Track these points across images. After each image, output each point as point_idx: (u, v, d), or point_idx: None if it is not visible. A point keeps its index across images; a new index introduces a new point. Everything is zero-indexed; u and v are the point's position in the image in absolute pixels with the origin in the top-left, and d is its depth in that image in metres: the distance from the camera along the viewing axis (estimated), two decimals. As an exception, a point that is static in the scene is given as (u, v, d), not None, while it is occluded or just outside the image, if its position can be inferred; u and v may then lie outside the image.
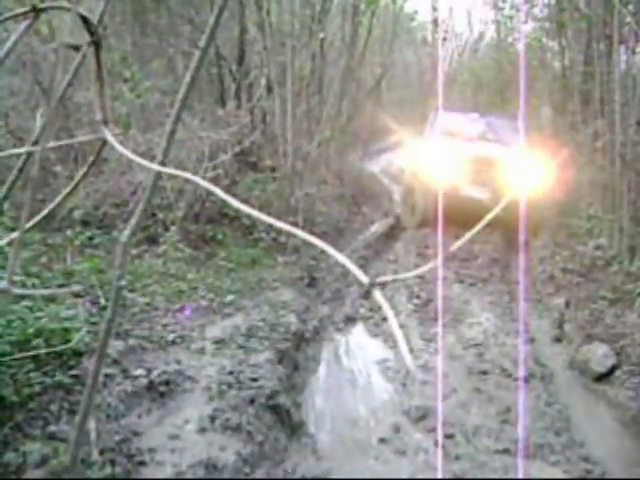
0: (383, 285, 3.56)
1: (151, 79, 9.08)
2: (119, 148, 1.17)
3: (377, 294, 0.84)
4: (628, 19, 8.21)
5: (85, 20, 1.08)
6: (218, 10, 1.98)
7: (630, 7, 8.49)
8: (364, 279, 0.93)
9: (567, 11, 12.43)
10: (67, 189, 1.35)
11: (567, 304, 6.84)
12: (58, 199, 1.40)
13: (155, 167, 1.13)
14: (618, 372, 5.27)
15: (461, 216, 9.56)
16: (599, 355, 5.44)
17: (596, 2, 9.85)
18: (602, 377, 5.28)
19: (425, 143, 10.98)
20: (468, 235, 1.03)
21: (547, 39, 15.69)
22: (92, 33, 1.10)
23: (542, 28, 16.01)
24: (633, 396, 4.91)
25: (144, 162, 1.12)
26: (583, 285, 7.29)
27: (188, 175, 1.10)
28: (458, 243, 1.04)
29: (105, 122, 1.19)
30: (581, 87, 11.33)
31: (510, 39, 19.70)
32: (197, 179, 1.06)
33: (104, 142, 1.20)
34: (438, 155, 9.83)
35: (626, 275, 6.98)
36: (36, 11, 1.05)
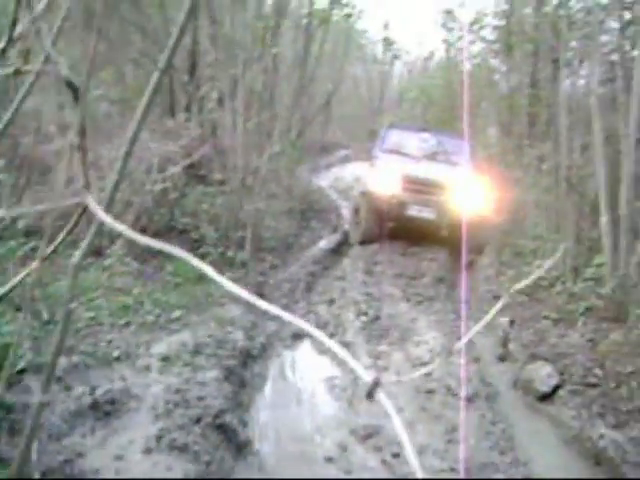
0: (332, 302, 3.58)
1: (100, 88, 8.95)
2: (101, 215, 1.15)
3: (381, 396, 0.84)
4: (573, 43, 8.45)
5: (70, 84, 1.06)
6: (179, 31, 1.96)
7: (576, 32, 8.73)
8: (367, 378, 0.93)
9: (515, 34, 12.72)
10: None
11: (512, 323, 6.95)
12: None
13: (126, 232, 1.12)
14: (561, 391, 5.37)
15: (408, 234, 9.84)
16: (543, 374, 5.54)
17: (543, 26, 10.10)
18: (546, 396, 5.37)
19: (374, 160, 11.13)
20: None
21: (495, 60, 16.02)
22: (76, 97, 1.08)
23: (491, 49, 16.35)
24: (575, 415, 5.01)
25: (119, 227, 1.10)
26: (527, 305, 7.43)
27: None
28: (465, 338, 1.06)
29: (87, 187, 1.17)
30: (527, 109, 11.59)
31: (459, 59, 20.07)
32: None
33: (85, 208, 1.18)
34: (386, 174, 9.98)
35: (569, 295, 7.14)
36: (19, 73, 1.03)
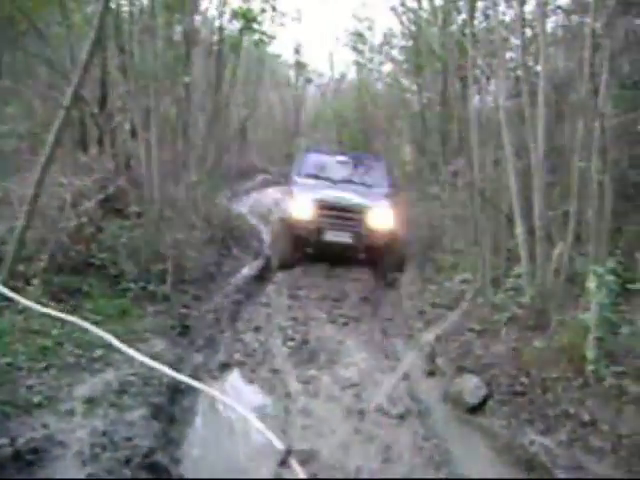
0: (258, 329, 3.56)
1: (8, 123, 8.70)
2: None
3: (294, 463, 0.82)
4: (479, 61, 8.70)
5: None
6: (83, 67, 1.92)
7: (481, 50, 9.00)
8: (280, 446, 0.91)
9: (423, 53, 13.04)
10: None
11: (437, 338, 7.05)
12: None
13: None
14: (490, 402, 5.46)
15: (326, 257, 9.93)
16: (471, 387, 5.62)
17: (450, 45, 10.39)
18: (475, 408, 5.45)
19: (291, 185, 11.27)
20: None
21: (406, 80, 16.40)
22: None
23: (401, 69, 16.73)
24: (505, 425, 5.09)
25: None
26: (451, 318, 7.56)
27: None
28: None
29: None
30: (440, 126, 11.88)
31: (370, 79, 20.48)
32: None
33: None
34: (302, 200, 10.14)
35: (491, 307, 7.30)
36: None
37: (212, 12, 12.93)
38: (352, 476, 4.37)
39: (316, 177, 11.21)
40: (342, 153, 12.94)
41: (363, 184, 11.13)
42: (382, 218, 10.03)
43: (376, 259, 9.97)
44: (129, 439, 4.10)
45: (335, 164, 11.70)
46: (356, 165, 11.78)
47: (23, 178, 7.10)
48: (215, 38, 12.69)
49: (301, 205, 10.09)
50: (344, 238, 9.89)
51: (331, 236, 9.89)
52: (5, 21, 9.39)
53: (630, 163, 7.89)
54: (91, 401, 4.55)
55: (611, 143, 6.48)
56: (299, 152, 12.50)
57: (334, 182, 11.03)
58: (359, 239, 9.87)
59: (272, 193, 17.58)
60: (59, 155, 7.86)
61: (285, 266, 9.98)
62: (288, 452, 0.88)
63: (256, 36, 12.84)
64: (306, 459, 4.50)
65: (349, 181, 11.21)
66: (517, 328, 6.71)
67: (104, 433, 4.11)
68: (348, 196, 10.35)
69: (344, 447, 4.78)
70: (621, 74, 7.89)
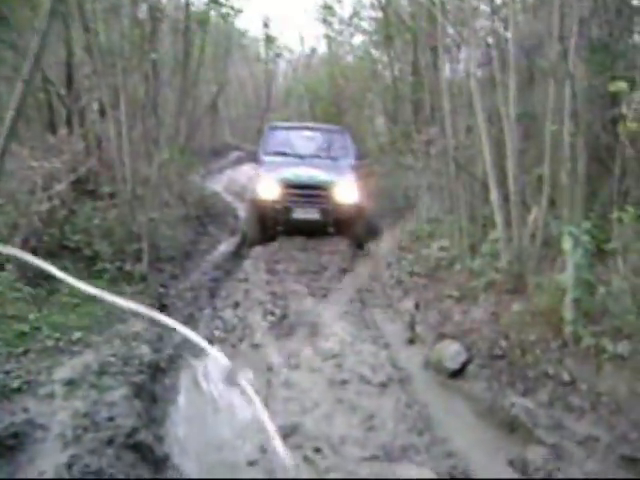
0: (237, 305, 3.53)
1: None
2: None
3: (242, 381, 0.80)
4: (450, 30, 8.66)
5: None
6: (40, 37, 1.86)
7: (451, 18, 8.95)
8: (227, 364, 0.88)
9: (393, 24, 12.97)
10: None
11: (416, 306, 7.09)
12: None
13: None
14: (471, 367, 5.52)
15: (297, 232, 9.99)
16: (451, 352, 5.67)
17: (420, 15, 10.34)
18: (456, 373, 5.50)
19: (259, 164, 11.37)
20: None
21: (377, 51, 16.32)
22: None
23: (372, 41, 16.63)
24: (486, 387, 5.15)
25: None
26: (430, 286, 7.60)
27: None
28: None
29: None
30: (411, 96, 11.85)
31: (341, 52, 20.33)
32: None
33: None
34: (269, 180, 10.28)
35: (469, 273, 7.33)
36: None
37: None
38: (337, 445, 4.39)
39: (283, 154, 11.34)
40: (306, 127, 12.94)
41: (329, 157, 11.43)
42: (347, 192, 10.31)
43: (344, 231, 10.20)
44: (111, 419, 4.08)
45: (300, 139, 11.93)
46: (321, 139, 12.02)
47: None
48: (182, 14, 12.51)
49: (268, 186, 10.24)
50: (312, 215, 10.14)
51: (300, 214, 10.12)
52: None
53: (603, 126, 7.92)
54: (71, 383, 4.51)
55: (582, 106, 6.49)
56: (264, 130, 12.48)
57: (301, 157, 11.26)
58: (327, 214, 10.13)
59: (246, 170, 17.46)
60: (27, 138, 7.74)
61: (257, 244, 10.06)
62: (233, 370, 0.88)
63: (223, 10, 12.68)
64: (290, 432, 4.51)
65: (315, 156, 11.42)
66: (495, 293, 6.75)
67: (85, 414, 4.08)
68: (313, 173, 10.55)
69: (327, 418, 4.80)
70: (590, 37, 7.89)
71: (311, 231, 10.10)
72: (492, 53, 7.42)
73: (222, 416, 4.90)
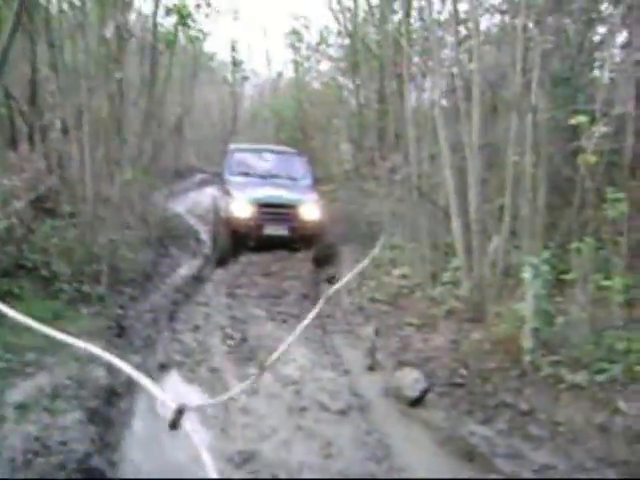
0: (197, 328, 3.47)
1: None
2: None
3: (186, 424, 0.77)
4: (415, 59, 8.79)
5: None
6: (2, 49, 1.83)
7: (417, 48, 9.09)
8: (171, 405, 0.85)
9: (360, 52, 13.12)
10: None
11: (377, 332, 7.07)
12: None
13: None
14: (430, 395, 5.50)
15: (266, 248, 10.42)
16: (411, 380, 5.63)
17: (386, 44, 10.47)
18: (416, 401, 5.47)
19: (225, 184, 11.85)
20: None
21: (343, 78, 16.46)
22: None
23: (338, 67, 16.77)
24: (446, 416, 5.14)
25: None
26: (391, 313, 7.61)
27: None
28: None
29: None
30: (377, 124, 11.98)
31: (308, 78, 20.47)
32: None
33: None
34: (242, 200, 10.93)
35: (430, 300, 7.37)
36: None
37: (146, 8, 12.74)
38: (294, 472, 4.33)
39: (246, 174, 12.14)
40: (267, 150, 13.75)
41: (289, 178, 12.31)
42: (312, 211, 11.15)
43: (308, 246, 10.91)
44: (63, 443, 3.98)
45: (261, 160, 12.82)
46: (281, 160, 12.97)
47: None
48: (149, 35, 12.49)
49: (241, 205, 10.88)
50: (281, 231, 10.88)
51: (270, 230, 10.82)
52: None
53: (563, 158, 8.07)
54: (23, 407, 4.39)
55: (544, 138, 6.62)
56: (228, 152, 12.95)
57: (263, 177, 12.07)
58: (294, 231, 10.90)
59: (210, 193, 17.38)
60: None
61: (227, 260, 10.50)
62: (179, 411, 0.84)
63: (191, 32, 12.69)
64: (247, 458, 4.45)
65: (276, 176, 12.26)
66: (455, 321, 6.80)
67: (37, 438, 3.97)
68: (282, 193, 11.38)
69: (286, 444, 4.73)
70: (552, 71, 8.06)
71: (278, 246, 10.75)
72: (456, 83, 7.53)
73: (179, 443, 4.79)
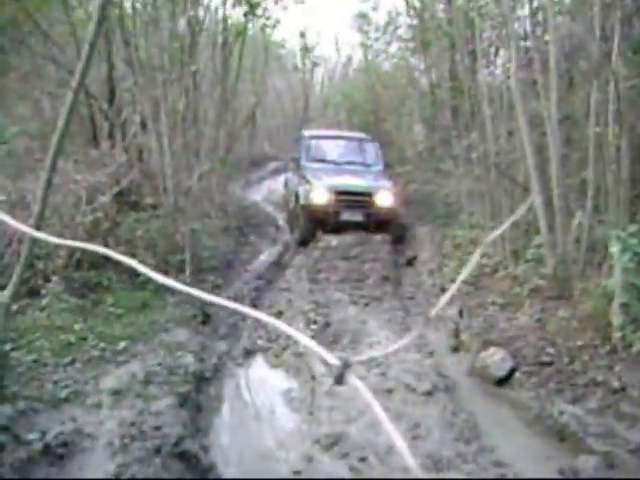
0: (280, 314, 3.50)
1: (18, 123, 8.70)
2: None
3: (353, 378, 0.78)
4: (487, 34, 8.60)
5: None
6: (89, 48, 1.88)
7: (488, 23, 8.89)
8: (335, 361, 0.87)
9: (430, 30, 12.92)
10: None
11: (460, 313, 7.00)
12: None
13: (32, 231, 1.04)
14: (517, 374, 5.41)
15: (343, 233, 10.52)
16: (497, 360, 5.57)
17: (457, 20, 10.27)
18: (502, 381, 5.40)
19: (302, 170, 12.22)
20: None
21: (413, 58, 16.24)
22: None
23: (408, 48, 16.55)
24: (534, 396, 5.05)
25: (20, 226, 1.02)
26: (473, 293, 7.51)
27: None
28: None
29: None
30: (450, 102, 11.80)
31: (378, 60, 20.28)
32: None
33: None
34: (320, 188, 11.31)
35: (512, 279, 7.24)
36: None
37: (215, 1, 12.88)
38: (382, 454, 4.34)
39: (321, 161, 12.58)
40: (341, 137, 14.22)
41: (362, 164, 12.79)
42: (386, 198, 11.44)
43: (383, 231, 11.12)
44: (157, 428, 4.10)
45: (336, 147, 13.29)
46: (354, 147, 13.32)
47: (37, 178, 7.11)
48: (220, 27, 12.63)
49: (320, 192, 11.27)
50: (357, 217, 11.22)
51: (346, 216, 11.19)
52: (9, 22, 9.39)
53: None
54: (117, 393, 4.55)
55: (626, 108, 6.37)
56: (301, 138, 13.40)
57: (338, 164, 12.54)
58: (369, 217, 11.21)
59: (285, 180, 17.52)
60: (71, 152, 7.87)
61: (307, 242, 10.91)
62: (345, 366, 0.84)
63: (261, 21, 12.78)
64: (335, 441, 4.49)
65: (350, 162, 12.72)
66: (540, 299, 6.65)
67: (132, 423, 4.10)
68: (358, 181, 11.89)
69: (373, 427, 4.74)
70: (632, 38, 7.75)
71: (355, 232, 10.94)
72: (532, 56, 7.33)
73: (267, 426, 4.88)
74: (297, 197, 11.92)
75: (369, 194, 11.43)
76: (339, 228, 10.97)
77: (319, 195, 11.27)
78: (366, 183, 11.87)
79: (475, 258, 1.45)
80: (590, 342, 5.50)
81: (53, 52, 9.26)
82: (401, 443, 0.87)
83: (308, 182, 11.61)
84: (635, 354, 5.12)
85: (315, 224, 11.07)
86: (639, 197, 7.25)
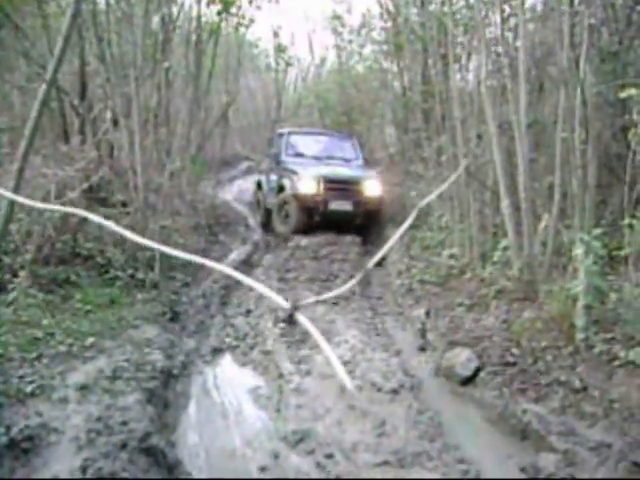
0: (248, 312, 3.55)
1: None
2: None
3: (301, 317, 0.82)
4: (460, 39, 8.70)
5: None
6: (63, 41, 1.90)
7: (461, 28, 8.99)
8: (285, 304, 0.90)
9: (403, 34, 13.03)
10: None
11: (427, 314, 7.09)
12: None
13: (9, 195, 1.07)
14: (482, 374, 5.50)
15: (330, 224, 10.97)
16: (462, 360, 5.65)
17: (430, 24, 10.38)
18: (468, 380, 5.49)
19: (280, 166, 12.41)
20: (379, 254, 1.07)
21: (387, 61, 16.34)
22: None
23: (382, 51, 16.64)
24: (498, 395, 5.13)
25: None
26: (441, 294, 7.61)
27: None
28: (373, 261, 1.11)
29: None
30: (422, 105, 11.92)
31: (351, 62, 20.36)
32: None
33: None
34: (309, 177, 11.47)
35: (480, 281, 7.34)
36: None
37: (189, -1, 12.83)
38: (348, 451, 4.38)
39: (302, 155, 12.67)
40: (319, 133, 14.55)
41: (342, 158, 12.98)
42: (374, 186, 11.78)
43: (371, 221, 11.64)
44: (124, 423, 4.09)
45: (315, 142, 13.45)
46: (333, 143, 13.58)
47: (5, 171, 7.04)
48: (193, 25, 12.58)
49: (309, 181, 11.43)
50: (346, 206, 11.43)
51: (335, 205, 11.39)
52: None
53: (612, 134, 7.93)
54: (84, 388, 4.54)
55: (593, 114, 6.51)
56: (280, 135, 13.57)
57: (319, 159, 12.61)
58: (358, 206, 11.48)
59: (257, 179, 17.51)
60: (41, 146, 7.80)
61: (299, 232, 11.14)
62: (294, 307, 0.90)
63: (235, 20, 12.78)
64: (302, 438, 4.52)
65: (330, 157, 12.87)
66: (506, 300, 6.76)
67: (99, 418, 4.10)
68: (345, 170, 12.22)
69: (339, 424, 4.79)
70: (600, 46, 7.91)
71: (342, 221, 11.30)
72: (502, 62, 7.44)
73: (234, 423, 4.90)
74: (282, 189, 11.96)
75: (357, 182, 11.66)
76: (327, 218, 11.20)
77: (307, 184, 11.38)
78: (353, 172, 12.18)
79: (410, 219, 1.51)
80: (554, 343, 5.60)
81: (24, 45, 9.16)
82: (337, 365, 0.92)
83: (294, 172, 11.73)
84: (597, 355, 5.23)
85: (305, 215, 11.23)
86: (604, 202, 7.41)
